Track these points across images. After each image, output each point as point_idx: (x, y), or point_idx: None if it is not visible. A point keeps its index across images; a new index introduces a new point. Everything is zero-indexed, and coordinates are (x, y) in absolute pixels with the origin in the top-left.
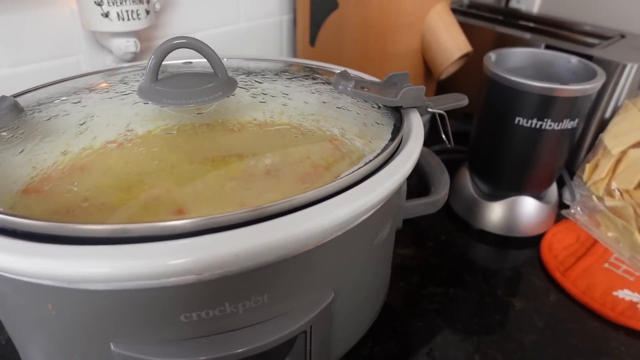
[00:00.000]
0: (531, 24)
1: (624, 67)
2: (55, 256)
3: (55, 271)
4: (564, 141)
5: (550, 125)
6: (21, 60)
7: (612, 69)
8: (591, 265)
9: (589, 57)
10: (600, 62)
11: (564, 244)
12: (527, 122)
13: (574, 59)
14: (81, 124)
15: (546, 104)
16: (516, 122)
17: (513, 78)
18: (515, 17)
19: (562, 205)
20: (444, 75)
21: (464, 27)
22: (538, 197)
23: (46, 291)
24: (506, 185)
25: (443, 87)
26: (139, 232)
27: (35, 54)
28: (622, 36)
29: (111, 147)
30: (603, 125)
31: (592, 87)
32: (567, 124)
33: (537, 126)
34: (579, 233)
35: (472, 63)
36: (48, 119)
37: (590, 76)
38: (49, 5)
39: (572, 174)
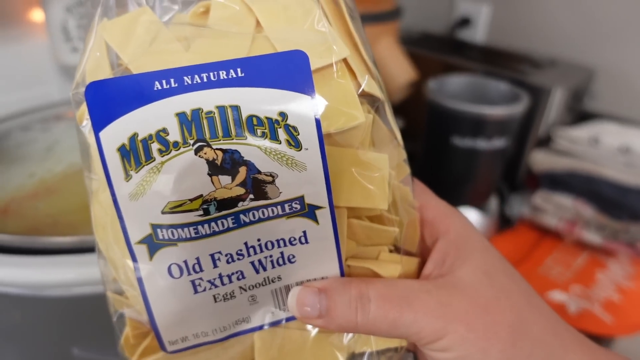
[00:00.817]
0: (476, 54)
1: (553, 90)
2: (21, 265)
3: (22, 279)
4: (496, 158)
5: (482, 144)
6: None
7: (541, 93)
8: (527, 270)
9: (523, 83)
10: (532, 87)
11: (503, 252)
12: (462, 141)
13: (503, 85)
14: (48, 150)
15: (478, 125)
16: (453, 141)
17: (448, 102)
18: (461, 48)
19: (503, 217)
20: (392, 101)
21: (415, 56)
22: (480, 209)
23: (14, 300)
24: (449, 198)
25: (398, 111)
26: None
27: (9, 85)
28: (555, 63)
29: (75, 170)
30: (538, 143)
31: (516, 109)
32: (497, 142)
33: (471, 145)
34: (517, 242)
35: (422, 89)
36: (17, 147)
37: (516, 99)
38: (22, 40)
39: (512, 189)
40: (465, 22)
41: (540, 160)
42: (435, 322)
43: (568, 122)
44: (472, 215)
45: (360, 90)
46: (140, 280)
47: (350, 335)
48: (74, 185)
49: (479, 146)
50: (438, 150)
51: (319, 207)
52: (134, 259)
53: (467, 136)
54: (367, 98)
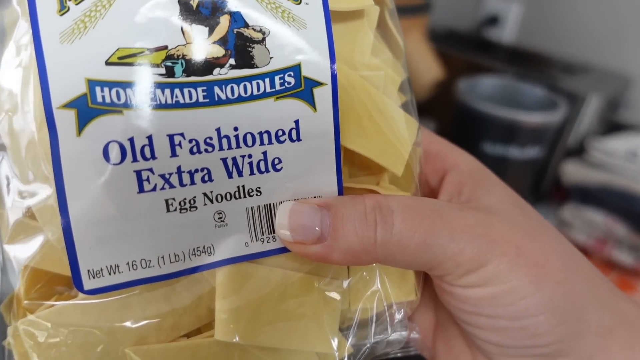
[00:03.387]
0: (504, 54)
1: (587, 98)
2: None
3: None
4: (527, 168)
5: (514, 152)
6: None
7: (575, 100)
8: None
9: (555, 88)
10: (565, 93)
11: None
12: (493, 148)
13: (539, 89)
14: None
15: (511, 131)
16: (483, 147)
17: (479, 105)
18: (488, 47)
19: None
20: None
21: (439, 54)
22: None
23: None
24: None
25: (422, 110)
26: None
27: None
28: (588, 69)
29: None
30: (568, 153)
31: (553, 116)
32: (531, 151)
33: (502, 152)
34: None
35: (448, 88)
36: None
37: (553, 106)
38: None
39: (536, 200)
40: (493, 20)
41: (571, 171)
42: (477, 242)
43: (600, 132)
44: None
45: None
46: (57, 165)
47: (348, 280)
48: None
49: (511, 154)
50: None
51: (318, 84)
52: (52, 132)
53: (498, 142)
54: None
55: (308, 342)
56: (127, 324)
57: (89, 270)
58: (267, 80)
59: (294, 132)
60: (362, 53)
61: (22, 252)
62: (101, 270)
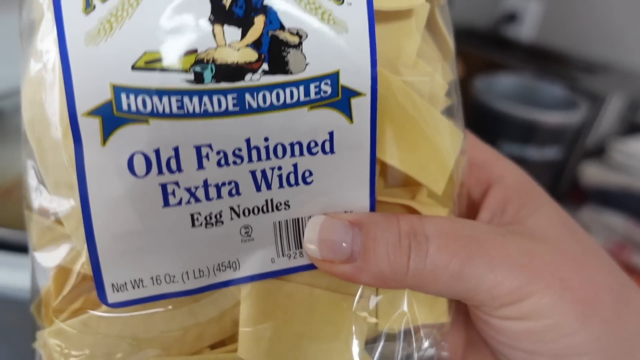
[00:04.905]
0: (523, 52)
1: (608, 98)
2: (16, 267)
3: (16, 282)
4: (545, 169)
5: (532, 152)
6: (6, 60)
7: (596, 100)
8: None
9: (575, 87)
10: (586, 93)
11: None
12: (510, 148)
13: (559, 88)
14: None
15: (530, 131)
16: (500, 147)
17: (497, 104)
18: (506, 45)
19: None
20: None
21: (458, 51)
22: None
23: (5, 303)
24: None
25: None
26: None
27: (15, 54)
28: (609, 68)
29: None
30: (587, 154)
31: (573, 116)
32: (549, 152)
33: (520, 152)
34: None
35: (465, 86)
36: None
37: (572, 106)
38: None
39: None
40: (511, 17)
41: (591, 173)
42: (518, 273)
43: (620, 133)
44: None
45: None
46: (81, 176)
47: (377, 299)
48: None
49: (529, 155)
50: None
51: (357, 94)
52: (77, 141)
53: (516, 142)
54: None
55: None
56: (151, 334)
57: (112, 284)
58: (301, 88)
59: (327, 144)
60: (407, 56)
61: (50, 257)
62: (125, 284)
